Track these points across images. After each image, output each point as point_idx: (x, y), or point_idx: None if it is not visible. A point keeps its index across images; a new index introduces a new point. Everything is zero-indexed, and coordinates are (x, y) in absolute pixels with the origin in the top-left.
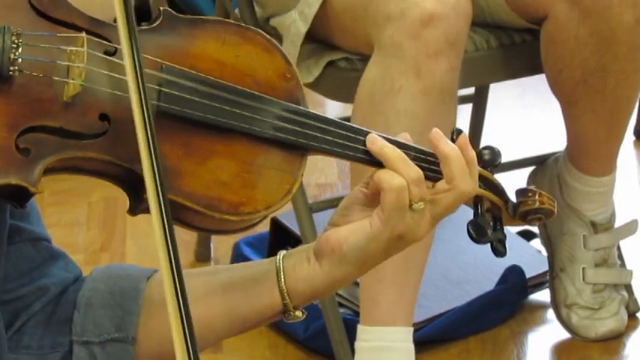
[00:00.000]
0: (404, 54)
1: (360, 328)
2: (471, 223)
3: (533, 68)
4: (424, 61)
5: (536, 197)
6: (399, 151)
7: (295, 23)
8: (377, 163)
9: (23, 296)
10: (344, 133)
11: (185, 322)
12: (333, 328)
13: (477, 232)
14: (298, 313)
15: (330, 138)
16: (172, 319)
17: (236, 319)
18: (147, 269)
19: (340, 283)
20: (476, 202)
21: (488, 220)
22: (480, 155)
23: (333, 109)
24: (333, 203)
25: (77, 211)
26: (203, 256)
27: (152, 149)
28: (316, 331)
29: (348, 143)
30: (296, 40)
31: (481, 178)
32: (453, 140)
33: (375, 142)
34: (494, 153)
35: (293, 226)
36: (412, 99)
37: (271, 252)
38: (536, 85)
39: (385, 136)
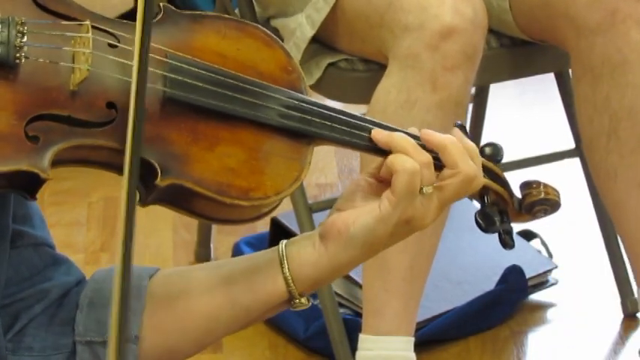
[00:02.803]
0: (421, 65)
1: (362, 337)
2: (479, 213)
3: (533, 68)
4: (441, 74)
5: (541, 188)
6: (407, 137)
7: (301, 27)
8: (383, 152)
9: (23, 299)
10: (350, 121)
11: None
12: (333, 328)
13: (486, 221)
14: (304, 301)
15: (337, 126)
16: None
17: (240, 309)
18: (149, 268)
19: (344, 267)
20: (482, 193)
21: (495, 211)
22: (481, 151)
23: None
24: (333, 203)
25: (77, 211)
26: (203, 256)
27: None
28: (316, 331)
29: (354, 131)
30: (300, 43)
31: (486, 170)
32: None
33: (381, 132)
34: (497, 148)
35: (293, 226)
36: (427, 111)
37: None
38: (536, 84)
39: (393, 126)
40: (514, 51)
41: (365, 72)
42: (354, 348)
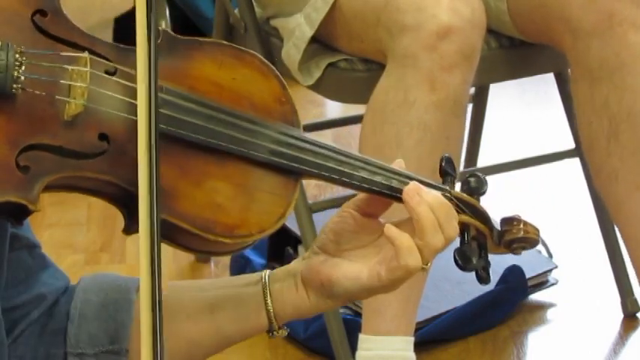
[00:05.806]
0: (419, 65)
1: (361, 337)
2: (457, 251)
3: (532, 68)
4: (439, 74)
5: (521, 226)
6: (433, 216)
7: (300, 27)
8: (373, 191)
9: (22, 305)
10: (340, 159)
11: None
12: (333, 328)
13: (463, 259)
14: (282, 332)
15: (326, 164)
16: (144, 336)
17: (223, 338)
18: (134, 279)
19: (326, 310)
20: (462, 229)
21: (474, 248)
22: (466, 183)
23: (333, 109)
24: (333, 203)
25: (77, 211)
26: (203, 256)
27: (153, 173)
28: (316, 331)
29: (344, 170)
30: (300, 43)
31: (468, 205)
32: (441, 167)
33: (414, 197)
34: (480, 181)
35: (293, 226)
36: (425, 111)
37: (271, 252)
38: (536, 84)
39: (381, 164)
40: (514, 51)
41: (365, 72)
42: (354, 348)
